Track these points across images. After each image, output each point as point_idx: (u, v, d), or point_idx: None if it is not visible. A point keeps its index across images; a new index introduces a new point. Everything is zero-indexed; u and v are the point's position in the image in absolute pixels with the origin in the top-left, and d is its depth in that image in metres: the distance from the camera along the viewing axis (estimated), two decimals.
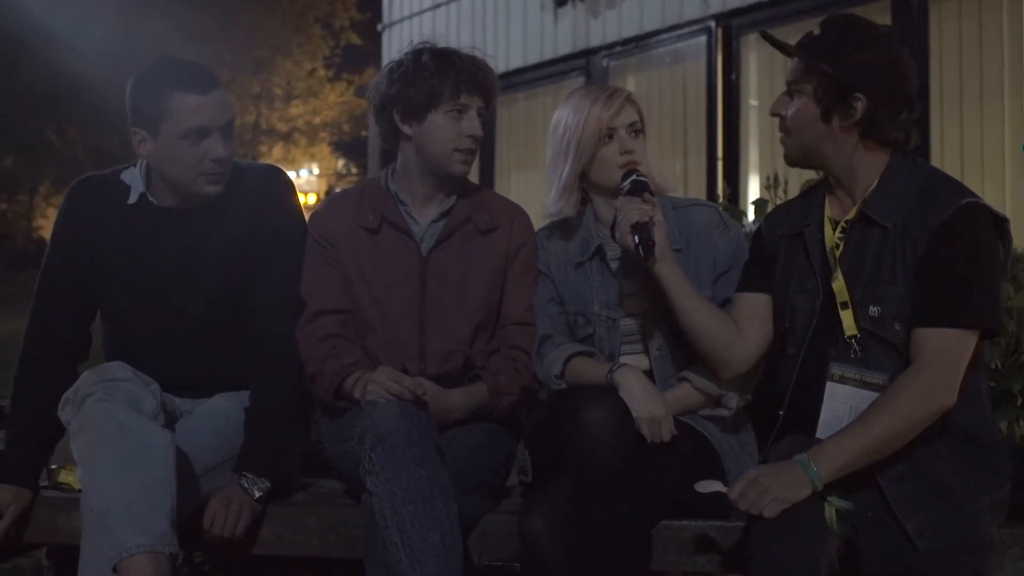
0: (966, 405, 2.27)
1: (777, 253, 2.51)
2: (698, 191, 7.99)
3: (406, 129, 2.72)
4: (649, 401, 2.46)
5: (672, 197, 2.74)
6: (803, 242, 2.46)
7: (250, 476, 2.55)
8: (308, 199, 23.59)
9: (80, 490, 2.41)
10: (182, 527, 2.39)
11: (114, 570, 2.27)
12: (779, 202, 3.52)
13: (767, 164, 7.43)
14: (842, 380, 2.34)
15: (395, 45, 11.38)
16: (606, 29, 9.01)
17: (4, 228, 26.27)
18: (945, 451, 2.25)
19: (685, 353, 2.65)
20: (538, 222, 2.86)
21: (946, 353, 2.22)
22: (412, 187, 2.78)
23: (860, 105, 2.31)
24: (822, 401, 2.35)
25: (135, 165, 2.75)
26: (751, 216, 3.60)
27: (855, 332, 2.33)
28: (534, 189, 8.81)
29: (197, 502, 2.52)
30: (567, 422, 2.29)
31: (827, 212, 2.44)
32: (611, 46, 8.98)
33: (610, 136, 2.64)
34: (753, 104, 8.00)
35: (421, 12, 11.30)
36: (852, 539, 2.20)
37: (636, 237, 2.45)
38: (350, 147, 27.61)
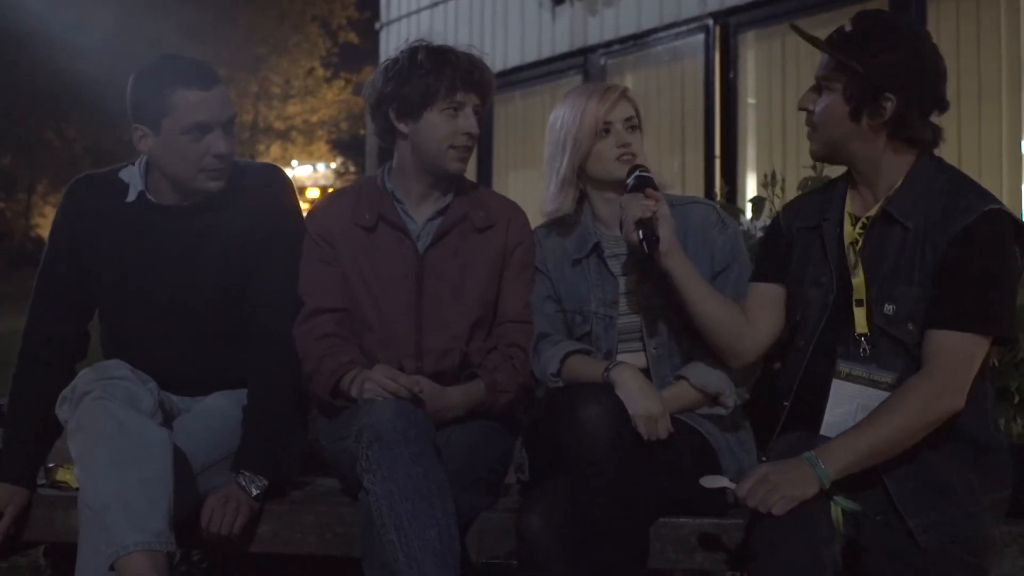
0: (971, 409, 2.27)
1: (794, 244, 2.51)
2: (696, 189, 8.00)
3: (402, 127, 2.72)
4: (646, 399, 2.46)
5: (670, 195, 2.73)
6: (821, 235, 2.45)
7: (247, 474, 2.55)
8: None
9: (78, 488, 2.41)
10: (180, 525, 2.39)
11: (112, 568, 2.27)
12: (777, 200, 3.52)
13: (764, 162, 7.44)
14: (849, 378, 2.34)
15: (393, 43, 11.36)
16: (604, 27, 9.02)
17: (2, 227, 26.28)
18: (949, 453, 2.26)
19: (682, 351, 2.65)
20: (535, 220, 2.86)
21: (958, 357, 2.22)
22: (408, 185, 2.78)
23: (890, 105, 2.30)
24: (827, 397, 2.35)
25: (134, 163, 2.75)
26: (748, 214, 3.61)
27: (866, 330, 2.33)
28: (532, 187, 8.80)
29: (195, 500, 2.52)
30: (564, 420, 2.30)
31: (848, 207, 2.43)
32: (609, 44, 8.99)
33: (606, 131, 2.65)
34: (751, 102, 8.01)
35: (419, 10, 11.30)
36: (856, 538, 2.21)
37: (640, 233, 2.46)
38: (348, 145, 27.61)
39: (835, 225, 2.43)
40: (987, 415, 2.34)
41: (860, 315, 2.34)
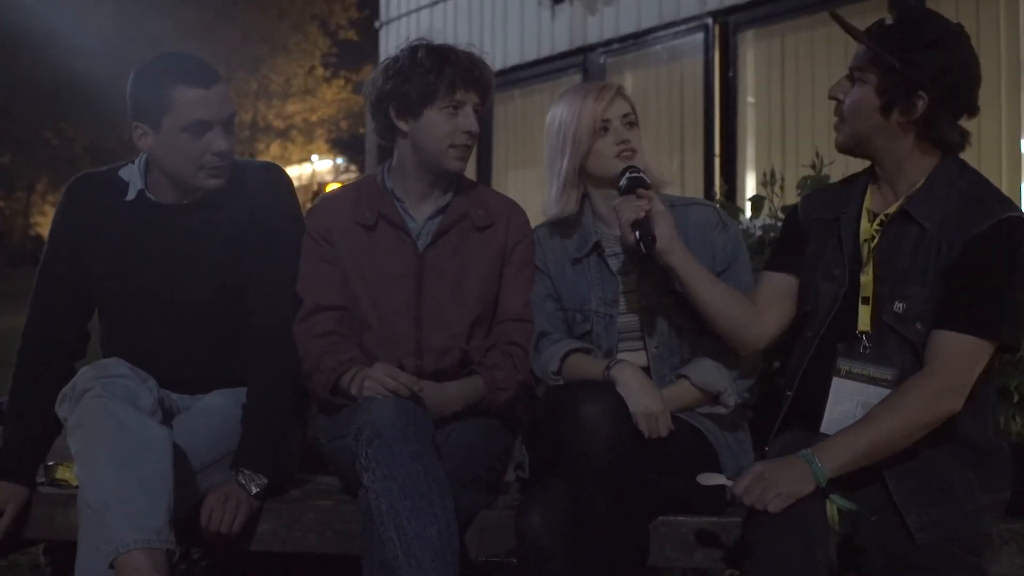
0: (972, 412, 2.27)
1: (810, 235, 2.51)
2: (695, 188, 8.00)
3: (402, 125, 2.72)
4: (646, 397, 2.46)
5: (671, 196, 2.74)
6: (838, 228, 2.45)
7: (247, 472, 2.56)
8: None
9: (78, 486, 2.41)
10: (179, 523, 2.39)
11: (111, 566, 2.27)
12: (776, 199, 3.53)
13: (764, 161, 7.45)
14: (849, 376, 2.34)
15: (392, 42, 11.38)
16: (603, 26, 9.02)
17: (2, 225, 26.27)
18: (949, 453, 2.26)
19: (683, 350, 2.66)
20: (535, 219, 2.86)
21: (960, 359, 2.22)
22: (408, 183, 2.78)
23: (921, 104, 2.28)
24: (827, 395, 2.36)
25: (133, 162, 2.75)
26: (748, 213, 3.61)
27: (868, 328, 2.33)
28: (531, 186, 8.82)
29: (194, 498, 2.52)
30: (564, 418, 2.30)
31: (867, 204, 2.43)
32: (608, 43, 8.98)
33: (605, 128, 2.65)
34: (750, 101, 8.01)
35: (419, 9, 11.30)
36: (852, 536, 2.21)
37: (637, 234, 2.46)
38: (347, 144, 27.59)
39: (853, 220, 2.43)
40: (987, 419, 2.34)
41: (864, 312, 2.34)
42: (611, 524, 2.25)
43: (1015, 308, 2.26)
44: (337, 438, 2.60)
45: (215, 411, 2.69)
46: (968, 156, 2.42)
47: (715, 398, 2.61)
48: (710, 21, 8.09)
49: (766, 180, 3.61)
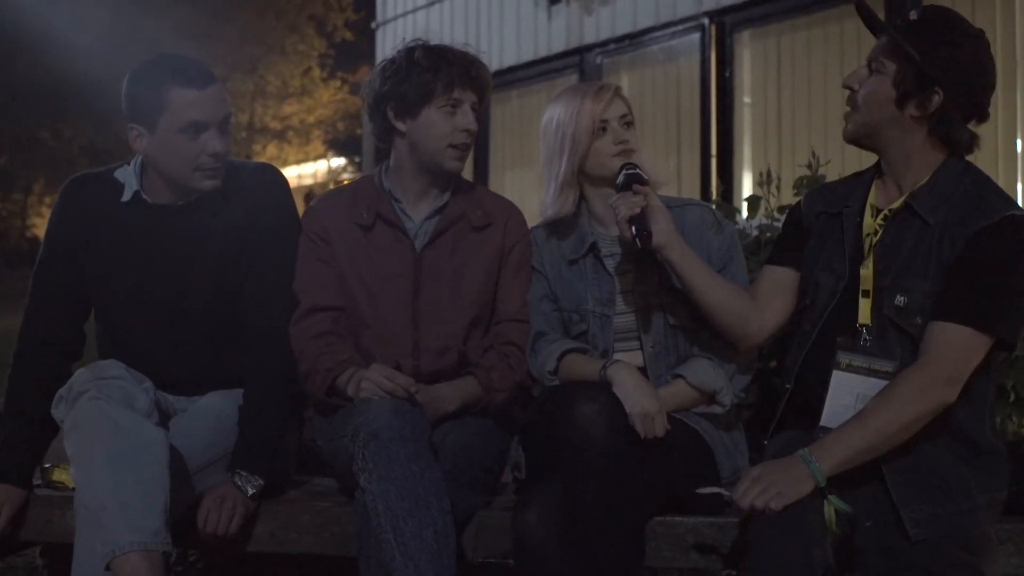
0: (969, 409, 2.28)
1: (812, 230, 2.52)
2: (692, 188, 8.00)
3: (400, 126, 2.72)
4: (642, 396, 2.46)
5: (667, 197, 2.75)
6: (840, 222, 2.46)
7: (244, 474, 2.55)
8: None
9: (74, 488, 2.41)
10: (176, 525, 2.39)
11: (108, 568, 2.27)
12: (772, 199, 3.53)
13: (760, 161, 7.46)
14: (849, 368, 2.34)
15: (389, 43, 11.37)
16: (600, 26, 9.02)
17: None
18: (947, 450, 2.27)
19: (679, 350, 2.66)
20: (532, 220, 2.86)
21: (954, 350, 2.23)
22: (406, 184, 2.78)
23: (937, 99, 2.30)
24: (826, 388, 2.36)
25: (129, 163, 2.75)
26: (744, 213, 3.62)
27: (868, 321, 2.34)
28: (528, 187, 8.81)
29: (191, 500, 2.52)
30: (560, 418, 2.30)
31: (871, 199, 2.44)
32: (605, 43, 8.98)
33: (603, 129, 2.66)
34: (747, 101, 8.01)
35: (415, 10, 11.30)
36: (849, 537, 2.21)
37: (633, 229, 2.46)
38: (344, 145, 27.58)
39: (856, 214, 2.44)
40: (985, 417, 2.34)
41: (865, 306, 2.35)
42: (607, 524, 2.25)
43: (1014, 304, 2.27)
44: (334, 439, 2.59)
45: (212, 412, 2.68)
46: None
47: (711, 398, 2.61)
48: (706, 21, 8.10)
49: (762, 180, 3.62)
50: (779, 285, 2.54)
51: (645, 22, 8.61)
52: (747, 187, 7.76)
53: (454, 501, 2.36)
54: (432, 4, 11.02)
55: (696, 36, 8.20)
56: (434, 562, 2.24)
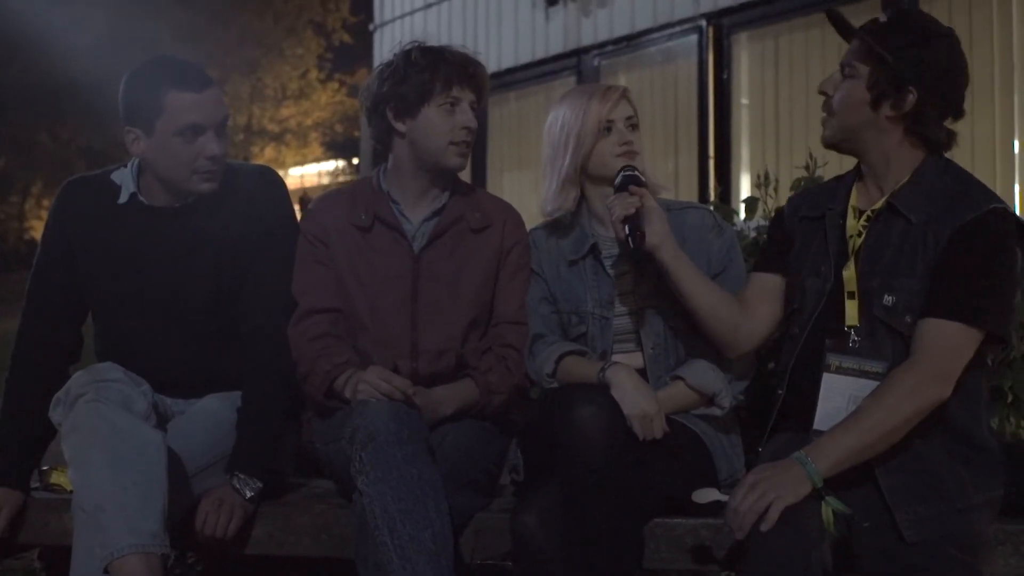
0: (964, 407, 2.27)
1: (796, 235, 2.53)
2: (690, 190, 8.00)
3: (399, 126, 2.72)
4: (641, 398, 2.46)
5: (667, 200, 2.75)
6: (823, 225, 2.46)
7: (242, 476, 2.55)
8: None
9: (72, 491, 2.41)
10: (174, 527, 2.39)
11: (106, 570, 2.27)
12: (770, 200, 3.53)
13: (758, 163, 7.45)
14: (839, 371, 2.34)
15: (386, 45, 11.37)
16: (597, 28, 9.02)
17: None
18: (942, 449, 2.26)
19: (678, 352, 2.66)
20: (530, 221, 2.86)
21: (945, 346, 2.22)
22: (404, 185, 2.78)
23: (911, 99, 2.31)
24: (819, 391, 2.36)
25: (126, 166, 2.75)
26: (742, 215, 3.62)
27: (856, 323, 2.34)
28: (526, 189, 8.82)
29: (189, 502, 2.52)
30: (558, 420, 2.30)
31: (853, 201, 2.45)
32: (602, 45, 8.99)
33: (608, 129, 2.67)
34: (744, 103, 8.02)
35: (412, 12, 11.29)
36: (847, 538, 2.21)
37: (627, 228, 2.47)
38: (342, 147, 27.55)
39: (839, 216, 2.44)
40: (981, 414, 2.34)
41: (851, 307, 2.35)
42: (606, 526, 2.25)
43: (1001, 297, 2.27)
44: (332, 442, 2.59)
45: (210, 415, 2.68)
46: (962, 156, 2.44)
47: (710, 400, 2.61)
48: (704, 23, 8.10)
49: (760, 182, 3.62)
50: (766, 292, 2.54)
51: (642, 24, 8.62)
52: (745, 189, 7.77)
53: (452, 503, 2.36)
54: (430, 6, 11.02)
55: (693, 38, 8.21)
56: (432, 564, 2.23)
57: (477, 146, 2.66)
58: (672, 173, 8.28)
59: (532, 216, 2.85)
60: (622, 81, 8.77)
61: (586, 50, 9.13)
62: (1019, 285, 2.34)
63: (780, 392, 2.46)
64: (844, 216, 2.43)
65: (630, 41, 8.77)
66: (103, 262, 2.69)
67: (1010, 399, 2.92)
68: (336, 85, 26.23)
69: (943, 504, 2.20)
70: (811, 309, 2.42)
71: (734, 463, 2.61)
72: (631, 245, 2.47)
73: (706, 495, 2.31)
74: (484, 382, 2.67)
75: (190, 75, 2.60)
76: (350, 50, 24.30)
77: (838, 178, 2.56)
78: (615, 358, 2.64)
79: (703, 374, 2.61)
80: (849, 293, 2.36)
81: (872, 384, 2.28)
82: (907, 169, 2.37)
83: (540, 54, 9.61)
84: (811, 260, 2.46)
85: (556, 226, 2.79)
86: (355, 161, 24.43)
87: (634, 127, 2.71)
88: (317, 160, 27.27)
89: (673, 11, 8.34)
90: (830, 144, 2.46)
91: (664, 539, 2.46)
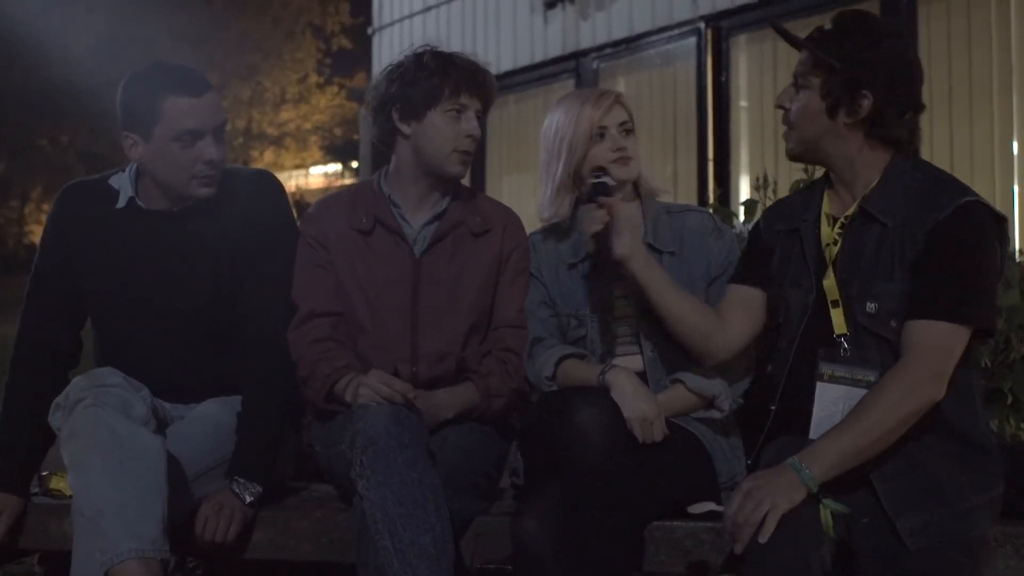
0: (959, 405, 2.27)
1: (774, 248, 2.52)
2: (689, 192, 8.00)
3: (404, 128, 2.72)
4: (641, 401, 2.46)
5: (666, 202, 2.75)
6: (800, 237, 2.46)
7: (241, 481, 2.55)
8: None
9: (71, 496, 2.41)
10: (174, 532, 2.39)
11: (106, 575, 2.27)
12: (769, 203, 3.53)
13: (757, 165, 7.45)
14: (832, 379, 2.33)
15: (385, 48, 11.38)
16: (596, 31, 9.02)
17: None
18: (938, 450, 2.25)
19: (678, 354, 2.65)
20: (530, 225, 2.86)
21: (935, 346, 2.21)
22: (406, 188, 2.78)
23: (867, 103, 2.31)
24: (813, 400, 2.35)
25: (124, 170, 2.75)
26: (741, 217, 3.62)
27: (844, 331, 2.33)
28: (526, 192, 8.81)
29: (189, 507, 2.52)
30: (558, 423, 2.30)
31: (825, 208, 2.44)
32: (601, 48, 8.98)
33: (601, 135, 2.67)
34: (743, 105, 8.01)
35: (411, 15, 11.29)
36: (846, 541, 2.20)
37: (596, 243, 2.50)
38: (341, 151, 27.57)
39: (814, 226, 2.44)
40: (976, 411, 2.33)
41: (837, 316, 2.34)
42: (606, 529, 2.25)
43: (984, 290, 2.26)
44: (332, 446, 2.59)
45: (209, 419, 2.68)
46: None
47: (710, 403, 2.61)
48: (703, 26, 8.10)
49: (759, 184, 3.62)
50: (742, 303, 2.54)
51: (641, 27, 8.62)
52: (744, 191, 7.76)
53: (452, 507, 2.36)
54: (429, 9, 11.02)
55: (692, 40, 8.20)
56: (433, 568, 2.23)
57: (476, 149, 2.66)
58: (671, 176, 8.28)
59: (531, 219, 2.85)
60: (621, 84, 8.77)
61: (584, 53, 9.13)
62: (1001, 275, 2.34)
63: (772, 408, 2.44)
64: (819, 225, 2.43)
65: (628, 44, 8.77)
66: (102, 267, 2.69)
67: (1010, 400, 2.92)
68: (335, 89, 26.25)
69: (942, 508, 2.19)
70: (797, 321, 2.41)
71: (734, 466, 2.61)
72: (602, 257, 2.49)
73: (703, 507, 2.32)
74: (484, 386, 2.67)
75: (188, 80, 2.60)
76: (349, 54, 24.32)
77: (809, 187, 2.56)
78: (615, 361, 2.64)
79: (702, 377, 2.61)
80: (833, 302, 2.35)
81: (864, 393, 2.27)
82: (875, 171, 2.37)
83: (539, 57, 9.61)
84: (791, 272, 2.45)
85: (555, 230, 2.79)
86: (354, 165, 24.41)
87: (628, 132, 2.70)
88: (305, 166, 27.26)
89: (671, 14, 8.34)
90: (794, 157, 2.46)
91: (664, 542, 2.45)
